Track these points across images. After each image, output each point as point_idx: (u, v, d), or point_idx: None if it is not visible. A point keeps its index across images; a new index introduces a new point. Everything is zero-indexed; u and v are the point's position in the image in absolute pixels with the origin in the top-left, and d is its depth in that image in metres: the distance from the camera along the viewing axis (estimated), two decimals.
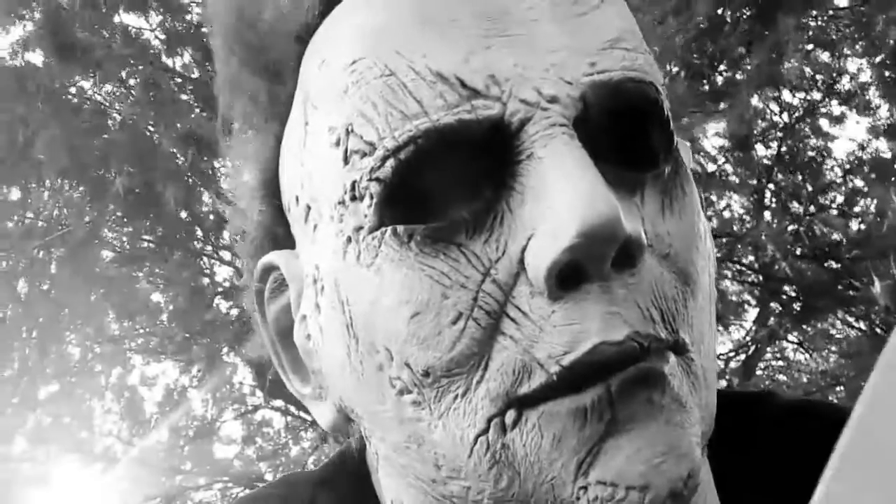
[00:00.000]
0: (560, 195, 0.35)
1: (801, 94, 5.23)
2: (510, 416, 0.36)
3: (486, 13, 0.38)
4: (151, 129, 4.54)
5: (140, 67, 4.54)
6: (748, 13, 4.52)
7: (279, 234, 0.46)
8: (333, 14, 0.42)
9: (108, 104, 4.94)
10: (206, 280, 5.95)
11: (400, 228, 0.37)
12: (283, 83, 0.44)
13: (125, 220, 5.28)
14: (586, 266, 0.35)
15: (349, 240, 0.39)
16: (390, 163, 0.37)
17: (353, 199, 0.39)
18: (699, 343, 0.39)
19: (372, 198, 0.38)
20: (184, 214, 5.22)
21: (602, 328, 0.35)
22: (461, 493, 0.38)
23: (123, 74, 4.79)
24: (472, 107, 0.37)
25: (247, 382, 6.71)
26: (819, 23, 4.96)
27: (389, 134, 0.37)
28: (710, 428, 0.40)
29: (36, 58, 4.52)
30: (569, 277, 0.35)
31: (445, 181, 0.38)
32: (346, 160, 0.39)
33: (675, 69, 4.46)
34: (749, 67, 4.53)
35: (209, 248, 5.77)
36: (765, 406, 0.54)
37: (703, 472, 0.39)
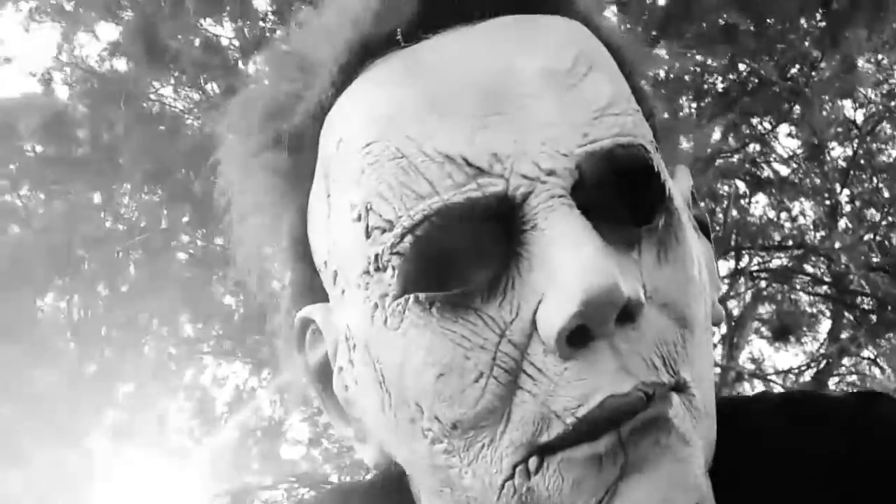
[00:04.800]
0: (564, 265, 0.39)
1: (878, 93, 5.07)
2: (533, 462, 0.40)
3: (486, 94, 0.42)
4: None
5: (218, 73, 4.68)
6: (818, 24, 4.43)
7: (314, 287, 0.50)
8: (346, 93, 0.46)
9: (186, 110, 5.10)
10: (276, 284, 6.07)
11: (421, 296, 0.41)
12: (303, 155, 0.48)
13: (200, 224, 5.43)
14: (592, 328, 0.39)
15: (376, 306, 0.43)
16: (408, 239, 0.41)
17: (377, 269, 0.43)
18: (699, 377, 0.43)
19: (394, 269, 0.42)
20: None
21: (610, 382, 0.39)
22: None
23: (202, 80, 4.93)
24: (479, 185, 0.41)
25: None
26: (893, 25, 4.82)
27: (405, 213, 0.41)
28: (712, 451, 0.44)
29: (120, 64, 4.71)
30: (577, 337, 0.39)
31: (460, 251, 0.42)
32: (367, 235, 0.43)
33: (745, 72, 4.40)
34: (817, 78, 4.43)
35: None
36: (756, 404, 0.57)
37: (708, 496, 0.43)
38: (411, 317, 0.42)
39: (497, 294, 0.41)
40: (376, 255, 0.42)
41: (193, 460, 6.66)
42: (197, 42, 4.35)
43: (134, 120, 4.44)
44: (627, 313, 0.40)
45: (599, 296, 0.38)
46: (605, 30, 0.49)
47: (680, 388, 0.41)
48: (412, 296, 0.41)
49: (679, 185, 0.51)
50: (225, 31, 4.85)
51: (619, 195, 0.43)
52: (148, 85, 4.78)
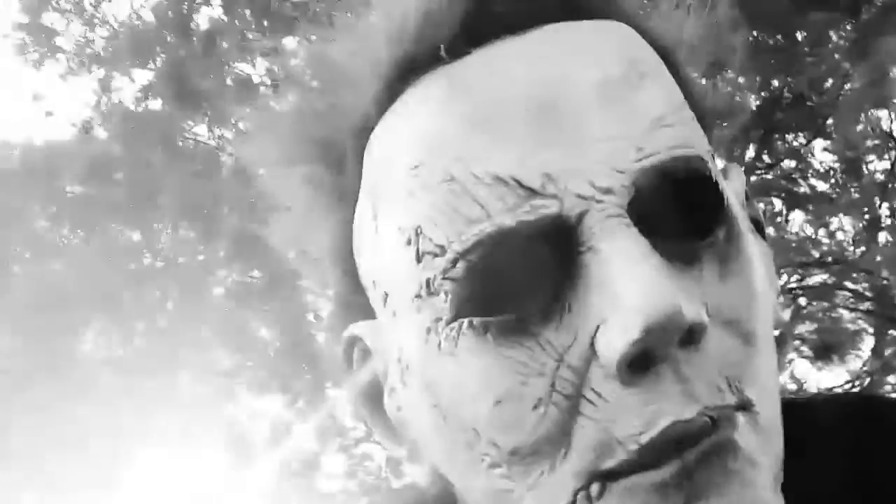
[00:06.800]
0: (623, 288, 0.38)
1: None
2: (595, 488, 0.39)
3: (535, 110, 0.41)
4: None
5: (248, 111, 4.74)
6: (848, 35, 4.40)
7: (355, 303, 0.49)
8: (391, 111, 0.45)
9: (219, 147, 5.18)
10: (311, 316, 6.10)
11: (476, 321, 0.40)
12: (345, 173, 0.48)
13: (236, 258, 5.48)
14: (654, 353, 0.38)
15: (429, 330, 0.42)
16: (461, 264, 0.40)
17: (430, 294, 0.42)
18: (764, 393, 0.42)
19: (447, 294, 0.41)
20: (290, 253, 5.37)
21: (674, 407, 0.38)
22: None
23: (233, 119, 5.01)
24: (532, 207, 0.40)
25: (349, 416, 6.79)
26: None
27: (457, 238, 0.40)
28: (781, 465, 0.42)
29: (156, 105, 4.81)
30: (638, 362, 0.38)
31: (514, 274, 0.41)
32: (418, 259, 0.42)
33: (777, 89, 4.37)
34: (849, 90, 4.39)
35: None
36: (816, 408, 0.55)
37: None
38: (466, 342, 0.41)
39: (553, 318, 0.40)
40: (428, 281, 0.42)
41: (232, 495, 6.66)
42: (228, 81, 4.43)
43: (169, 158, 4.52)
44: (690, 335, 0.39)
45: (662, 321, 0.37)
46: (654, 31, 0.47)
47: (745, 406, 0.40)
48: (466, 320, 0.41)
49: (733, 185, 0.49)
50: (256, 70, 4.94)
51: (676, 206, 0.41)
52: (182, 124, 4.86)
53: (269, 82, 4.98)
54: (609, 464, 0.39)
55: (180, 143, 4.92)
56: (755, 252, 0.45)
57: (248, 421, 7.00)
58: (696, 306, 0.39)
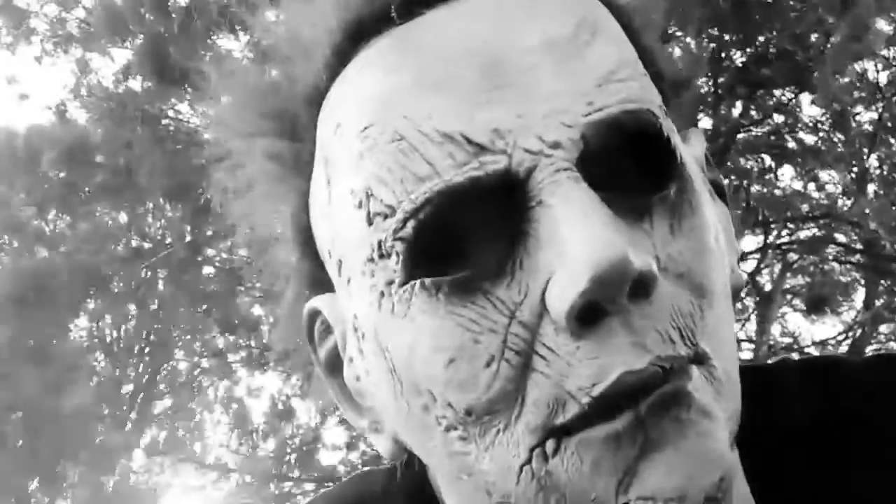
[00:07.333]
0: (571, 241, 0.37)
1: None
2: (550, 445, 0.39)
3: (484, 68, 0.41)
4: None
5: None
6: None
7: (320, 278, 0.48)
8: (342, 76, 0.45)
9: (202, 125, 5.13)
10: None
11: (427, 281, 0.40)
12: (302, 142, 0.47)
13: (224, 236, 5.46)
14: (603, 304, 0.37)
15: (382, 294, 0.42)
16: (411, 223, 0.40)
17: (381, 256, 0.41)
18: (719, 347, 0.41)
19: (398, 255, 0.40)
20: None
21: (625, 358, 0.37)
22: None
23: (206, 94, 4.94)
24: (480, 163, 0.39)
25: None
26: None
27: (406, 197, 0.40)
28: (737, 422, 0.42)
29: (136, 84, 4.75)
30: (589, 315, 0.37)
31: (465, 232, 0.40)
32: (369, 221, 0.42)
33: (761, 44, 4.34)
34: (833, 42, 4.37)
35: None
36: (778, 373, 0.55)
37: (733, 468, 0.41)
38: (418, 303, 0.40)
39: (505, 274, 0.39)
40: (379, 242, 0.41)
41: (233, 472, 6.71)
42: (207, 57, 4.37)
43: (151, 139, 4.47)
44: (641, 287, 0.38)
45: (609, 271, 0.36)
46: None
47: (699, 359, 0.39)
48: (418, 281, 0.40)
49: (692, 150, 0.49)
50: (237, 45, 4.87)
51: (628, 163, 0.41)
52: (164, 103, 4.80)
53: (251, 56, 4.91)
54: (562, 418, 0.38)
55: (162, 123, 4.87)
56: (711, 211, 0.44)
57: (247, 398, 7.03)
58: (645, 257, 0.38)
